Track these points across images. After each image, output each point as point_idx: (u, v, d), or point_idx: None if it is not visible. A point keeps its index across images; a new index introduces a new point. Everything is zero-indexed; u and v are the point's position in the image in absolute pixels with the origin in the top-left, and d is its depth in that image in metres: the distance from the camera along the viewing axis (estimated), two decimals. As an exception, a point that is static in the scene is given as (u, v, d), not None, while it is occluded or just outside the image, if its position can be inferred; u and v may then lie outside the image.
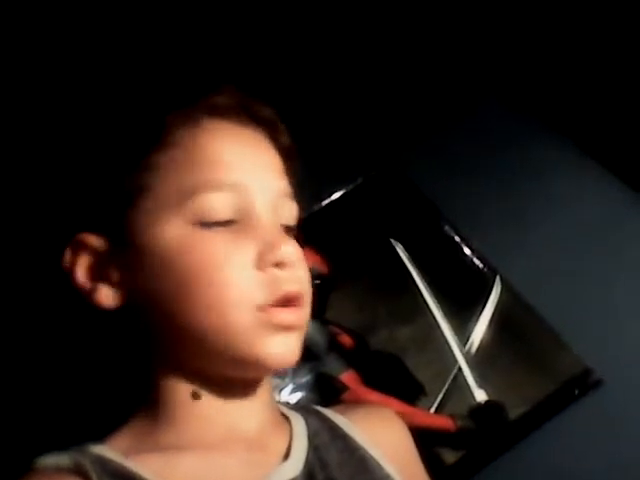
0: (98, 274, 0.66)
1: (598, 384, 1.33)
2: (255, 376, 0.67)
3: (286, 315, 0.63)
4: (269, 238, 0.63)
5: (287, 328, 0.63)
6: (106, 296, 0.65)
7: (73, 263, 0.66)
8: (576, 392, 1.33)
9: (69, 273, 0.66)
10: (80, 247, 0.66)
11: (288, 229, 0.68)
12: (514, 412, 1.34)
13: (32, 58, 1.47)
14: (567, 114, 1.56)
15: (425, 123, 1.72)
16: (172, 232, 0.62)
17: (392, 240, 1.58)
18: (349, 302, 1.43)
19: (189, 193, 0.62)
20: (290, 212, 0.68)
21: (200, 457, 0.63)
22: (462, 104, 1.72)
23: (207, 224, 0.62)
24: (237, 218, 0.63)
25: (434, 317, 1.46)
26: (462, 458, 1.32)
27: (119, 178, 0.65)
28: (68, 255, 0.67)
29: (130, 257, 0.64)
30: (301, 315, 0.64)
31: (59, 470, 0.60)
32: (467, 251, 1.53)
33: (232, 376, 0.65)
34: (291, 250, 0.63)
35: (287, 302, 0.63)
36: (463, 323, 1.44)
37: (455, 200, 1.59)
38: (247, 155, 0.66)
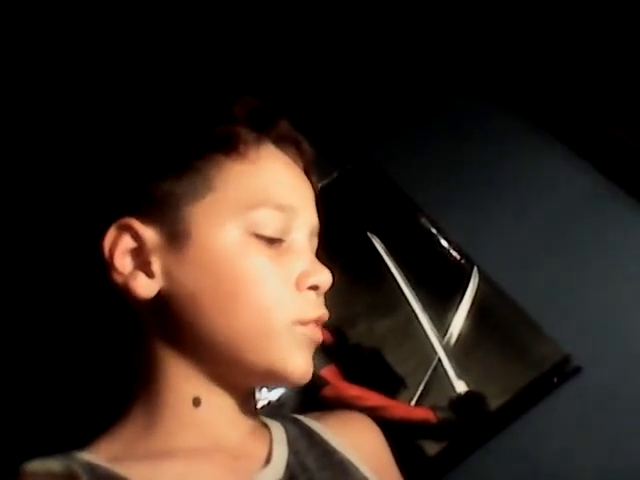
0: (139, 262, 0.65)
1: (577, 371, 1.34)
2: (269, 385, 0.70)
3: (316, 334, 0.68)
4: (311, 262, 0.69)
5: (313, 346, 0.68)
6: (144, 285, 0.65)
7: (114, 246, 0.65)
8: (555, 380, 1.34)
9: (107, 255, 0.65)
10: (125, 232, 0.65)
11: None
12: (494, 402, 1.34)
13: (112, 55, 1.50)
14: (544, 106, 1.57)
15: (400, 116, 1.71)
16: (230, 236, 0.65)
17: (369, 233, 1.57)
18: (327, 297, 1.42)
19: (251, 204, 0.66)
20: (315, 246, 0.73)
21: (185, 464, 0.64)
22: (438, 97, 1.72)
23: (259, 237, 0.66)
24: (284, 238, 0.68)
25: (412, 309, 1.46)
26: (444, 449, 1.32)
27: (186, 173, 0.66)
28: (111, 237, 0.65)
29: (181, 252, 0.65)
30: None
31: (50, 476, 0.60)
32: (444, 243, 1.53)
33: (241, 384, 0.68)
34: (329, 277, 0.69)
35: (319, 324, 0.69)
36: (442, 315, 1.44)
37: (431, 192, 1.59)
38: (299, 185, 0.72)
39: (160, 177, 0.66)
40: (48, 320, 1.10)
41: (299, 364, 0.67)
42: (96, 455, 0.63)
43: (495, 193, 1.56)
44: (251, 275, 0.65)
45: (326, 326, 1.39)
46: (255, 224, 0.66)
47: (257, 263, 0.65)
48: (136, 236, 0.65)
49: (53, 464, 0.60)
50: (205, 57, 1.60)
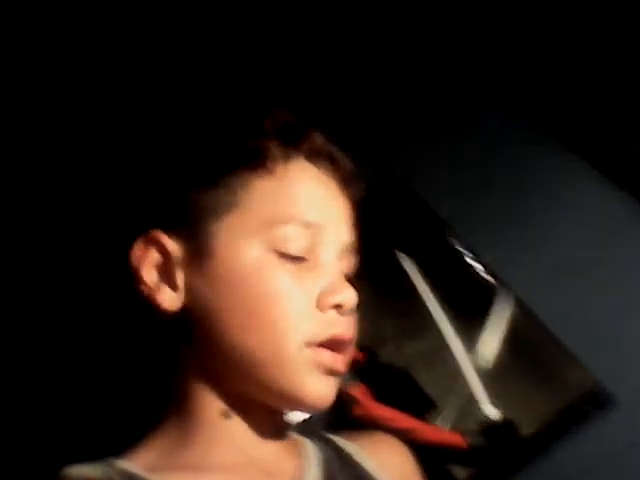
0: (164, 276, 0.65)
1: (610, 401, 1.31)
2: (287, 409, 0.68)
3: (331, 358, 0.64)
4: (334, 281, 0.66)
5: (329, 371, 0.65)
6: (168, 298, 0.65)
7: (142, 258, 0.66)
8: (588, 409, 1.32)
9: (135, 267, 0.66)
10: (152, 245, 0.66)
11: (346, 278, 0.70)
12: (526, 429, 1.32)
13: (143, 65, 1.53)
14: (569, 123, 1.56)
15: (432, 135, 1.71)
16: (252, 253, 0.64)
17: (398, 252, 1.56)
18: (358, 316, 1.41)
19: (275, 222, 0.65)
20: (349, 263, 0.70)
21: (219, 478, 0.63)
22: (468, 115, 1.71)
23: (282, 254, 0.64)
24: (307, 256, 0.66)
25: (442, 331, 1.44)
26: (474, 475, 1.30)
27: (214, 188, 0.66)
28: (139, 249, 0.66)
29: (204, 267, 0.65)
30: (344, 362, 0.66)
31: None
32: (475, 265, 1.51)
33: (264, 403, 0.66)
34: (353, 296, 0.66)
35: (334, 345, 0.65)
36: (472, 338, 1.43)
37: (460, 211, 1.58)
38: (330, 201, 0.69)
39: (188, 191, 0.66)
40: (88, 331, 1.11)
41: (313, 390, 0.64)
42: (133, 463, 0.63)
43: (528, 215, 1.55)
44: (269, 294, 0.63)
45: (356, 345, 1.40)
46: (278, 241, 0.64)
47: (277, 282, 0.64)
48: (163, 249, 0.66)
49: (92, 470, 0.61)
50: (229, 72, 1.62)
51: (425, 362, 1.42)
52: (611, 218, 1.48)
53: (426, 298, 1.49)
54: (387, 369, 1.42)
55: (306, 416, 1.28)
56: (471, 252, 1.52)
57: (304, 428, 0.76)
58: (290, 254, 0.64)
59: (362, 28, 1.75)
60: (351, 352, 0.68)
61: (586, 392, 1.32)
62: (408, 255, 1.55)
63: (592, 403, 1.32)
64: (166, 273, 0.65)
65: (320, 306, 0.64)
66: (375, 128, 1.71)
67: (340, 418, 1.31)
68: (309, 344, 0.63)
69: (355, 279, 0.70)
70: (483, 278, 1.49)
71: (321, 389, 0.64)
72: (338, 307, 0.65)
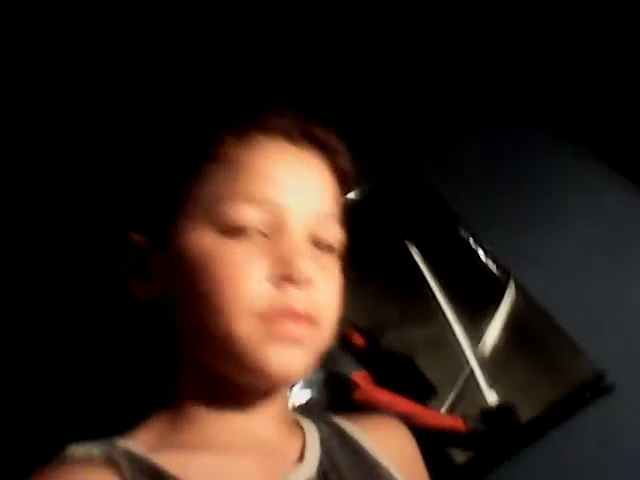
0: (140, 270, 0.70)
1: (610, 389, 1.33)
2: (263, 385, 0.68)
3: (288, 327, 0.64)
4: (287, 254, 0.65)
5: (288, 340, 0.64)
6: (143, 291, 0.70)
7: (125, 259, 0.71)
8: (588, 396, 1.33)
9: (121, 269, 0.71)
10: (130, 246, 0.71)
11: (327, 248, 0.69)
12: (525, 415, 1.34)
13: (94, 67, 1.51)
14: (582, 123, 1.55)
15: (443, 130, 1.71)
16: (200, 238, 0.66)
17: (407, 241, 1.58)
18: (361, 302, 1.43)
19: (221, 200, 0.65)
20: (330, 233, 0.69)
21: (219, 457, 0.65)
22: (481, 113, 1.71)
23: (230, 232, 0.64)
24: (267, 232, 0.65)
25: (447, 319, 1.46)
26: (472, 459, 1.33)
27: (168, 186, 0.70)
28: (125, 252, 0.71)
29: (165, 257, 0.68)
30: (307, 332, 0.65)
31: (90, 459, 0.62)
32: (481, 254, 1.53)
33: (242, 382, 0.67)
34: (305, 268, 0.64)
35: (289, 316, 0.64)
36: (476, 325, 1.44)
37: (471, 204, 1.58)
38: (292, 174, 0.68)
39: (154, 190, 0.71)
40: (86, 322, 1.15)
41: (275, 361, 0.63)
42: (134, 442, 0.65)
43: (535, 207, 1.55)
44: (218, 274, 0.64)
45: (359, 330, 1.43)
46: (226, 218, 0.65)
47: (225, 261, 0.64)
48: (137, 248, 0.71)
49: (93, 449, 0.63)
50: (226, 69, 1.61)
51: (428, 348, 1.44)
52: (622, 212, 1.49)
53: (433, 287, 1.51)
54: (390, 354, 1.44)
55: (304, 400, 1.32)
56: (479, 243, 1.53)
57: (305, 410, 0.78)
58: (239, 230, 0.64)
59: (373, 28, 1.74)
60: (322, 325, 0.66)
61: (587, 380, 1.34)
62: (418, 245, 1.57)
63: (592, 391, 1.33)
64: (142, 268, 0.70)
65: (274, 281, 0.64)
66: (393, 124, 1.72)
67: (341, 403, 1.34)
68: (260, 316, 0.63)
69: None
70: (490, 268, 1.50)
71: (283, 360, 0.64)
72: (292, 281, 0.64)
